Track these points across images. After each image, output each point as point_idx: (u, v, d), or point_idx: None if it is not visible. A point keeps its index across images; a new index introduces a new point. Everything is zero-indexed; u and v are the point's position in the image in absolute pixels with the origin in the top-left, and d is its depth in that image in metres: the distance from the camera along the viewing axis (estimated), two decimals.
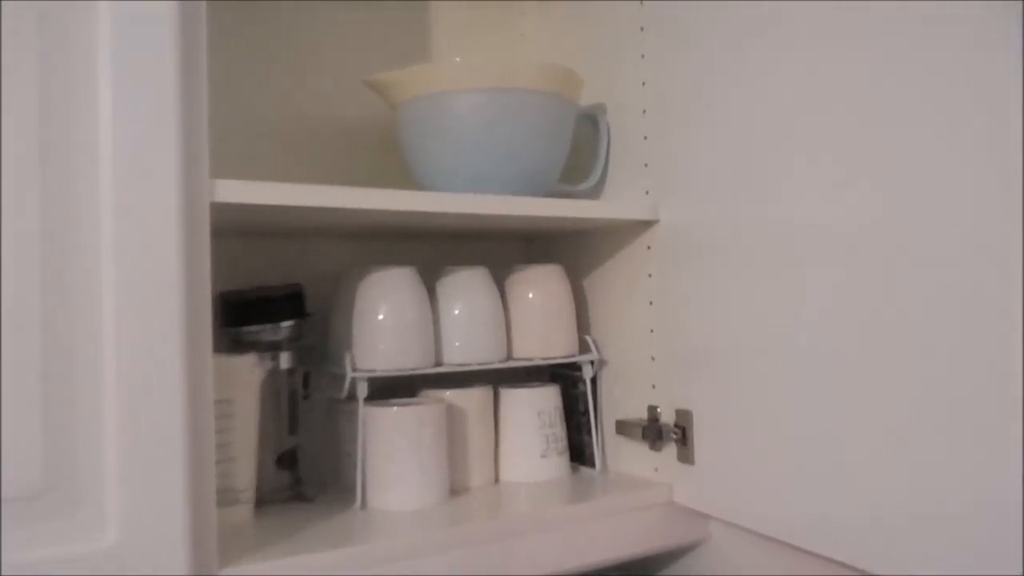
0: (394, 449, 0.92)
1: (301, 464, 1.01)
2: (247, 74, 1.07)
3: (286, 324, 0.97)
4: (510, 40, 1.28)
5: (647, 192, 1.01)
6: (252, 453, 0.90)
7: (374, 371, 0.94)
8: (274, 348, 0.97)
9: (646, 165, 1.01)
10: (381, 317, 0.95)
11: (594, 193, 1.09)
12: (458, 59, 1.05)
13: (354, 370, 0.94)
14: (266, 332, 0.96)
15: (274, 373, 0.99)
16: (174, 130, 0.68)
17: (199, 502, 0.70)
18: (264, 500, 0.97)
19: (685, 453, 0.95)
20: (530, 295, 1.05)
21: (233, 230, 0.99)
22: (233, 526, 0.87)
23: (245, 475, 0.88)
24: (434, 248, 1.18)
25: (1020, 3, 0.60)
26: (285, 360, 0.98)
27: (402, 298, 0.96)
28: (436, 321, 1.00)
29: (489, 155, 0.94)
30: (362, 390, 0.93)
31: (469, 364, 0.99)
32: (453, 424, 0.99)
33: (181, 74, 0.68)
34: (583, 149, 1.09)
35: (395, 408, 0.93)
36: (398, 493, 0.91)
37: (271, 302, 0.98)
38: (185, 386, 0.68)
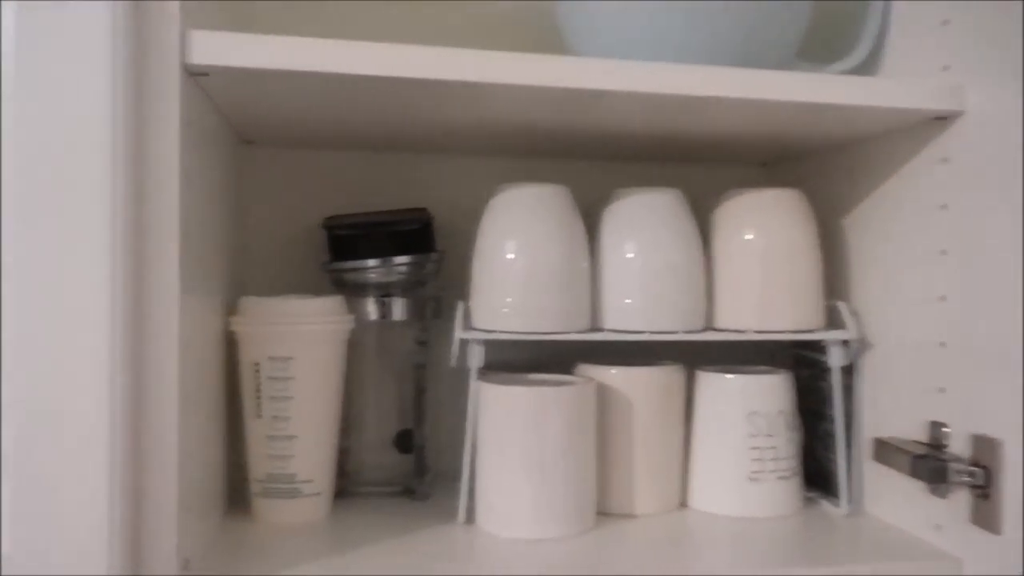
0: (508, 446, 0.63)
1: (428, 449, 0.76)
2: None
3: (401, 261, 0.72)
4: None
5: (945, 68, 0.61)
6: (323, 432, 0.66)
7: (492, 332, 0.66)
8: (384, 293, 0.73)
9: (945, 23, 0.61)
10: (511, 256, 0.66)
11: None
12: None
13: (465, 328, 0.67)
14: (374, 271, 0.72)
15: (384, 326, 0.74)
16: None
17: (135, 495, 0.48)
18: (373, 489, 0.74)
19: (986, 511, 0.56)
20: (747, 235, 0.70)
21: (341, 142, 0.76)
22: (279, 525, 0.64)
23: (308, 461, 0.65)
24: (614, 171, 0.85)
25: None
26: (399, 310, 0.73)
27: (541, 228, 0.66)
28: (596, 266, 0.69)
29: (686, 15, 0.60)
30: (475, 357, 0.65)
31: (643, 332, 0.67)
32: (613, 417, 0.68)
33: None
34: (835, 6, 0.71)
35: (511, 388, 0.64)
36: (508, 512, 0.63)
37: (382, 230, 0.73)
38: (113, 326, 0.45)
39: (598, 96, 0.57)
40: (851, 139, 0.72)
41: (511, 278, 0.66)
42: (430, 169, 0.82)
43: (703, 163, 0.86)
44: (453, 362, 0.67)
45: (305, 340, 0.65)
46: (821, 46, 0.70)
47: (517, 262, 0.66)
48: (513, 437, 0.63)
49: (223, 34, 0.50)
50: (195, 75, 0.51)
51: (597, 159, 0.84)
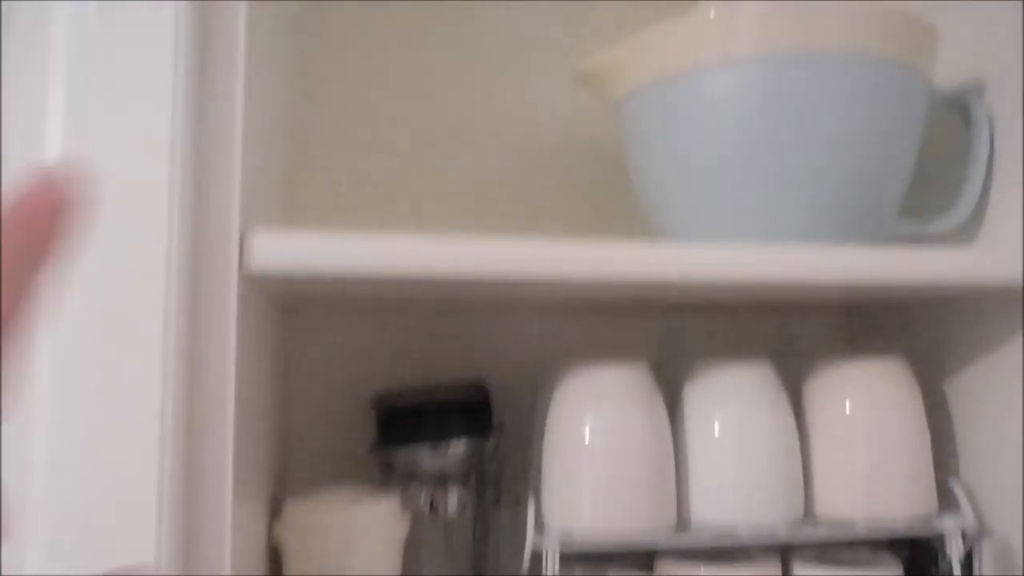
0: None
1: None
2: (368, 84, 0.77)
3: (457, 444, 0.65)
4: None
5: None
6: None
7: (570, 535, 0.58)
8: (438, 480, 0.65)
9: None
10: (586, 446, 0.58)
11: (965, 235, 0.64)
12: (714, 9, 0.56)
13: (539, 530, 0.58)
14: (426, 456, 0.64)
15: (439, 517, 0.66)
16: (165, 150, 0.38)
17: None
18: None
19: None
20: (848, 408, 0.63)
21: (389, 307, 0.69)
22: None
23: None
24: (686, 328, 0.79)
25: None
26: (455, 499, 0.65)
27: (623, 417, 0.59)
28: (681, 452, 0.62)
29: (780, 173, 0.55)
30: (552, 563, 0.57)
31: (737, 527, 0.59)
32: None
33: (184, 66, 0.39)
34: (938, 159, 0.66)
35: None
36: None
37: (435, 411, 0.66)
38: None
39: (686, 283, 0.50)
40: (954, 298, 0.66)
41: (590, 472, 0.58)
42: (486, 332, 0.75)
43: (781, 312, 0.80)
44: (525, 568, 0.58)
45: (358, 552, 0.56)
46: (920, 197, 0.65)
47: (596, 454, 0.58)
48: None
49: (287, 236, 0.43)
50: (253, 279, 0.45)
51: (655, 315, 0.78)
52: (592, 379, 0.60)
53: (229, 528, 0.41)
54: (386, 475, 0.66)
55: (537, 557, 0.58)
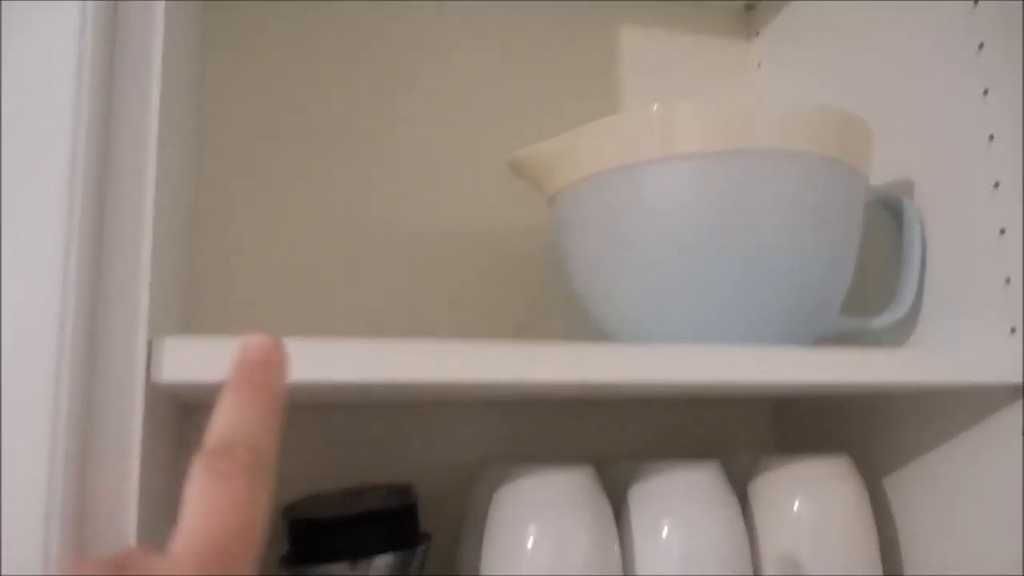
0: None
1: None
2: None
3: (381, 559, 0.58)
4: (735, 75, 0.87)
5: (1013, 330, 0.55)
6: None
7: None
8: None
9: (1008, 281, 0.56)
10: (529, 554, 0.54)
11: (901, 331, 0.63)
12: (657, 106, 0.54)
13: None
14: (344, 573, 0.58)
15: None
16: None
17: None
18: None
19: None
20: (795, 509, 0.60)
21: (302, 405, 0.64)
22: None
23: None
24: (622, 422, 0.75)
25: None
26: None
27: (567, 525, 0.54)
28: (628, 555, 0.57)
29: (720, 271, 0.53)
30: None
31: None
32: None
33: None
34: (874, 256, 0.65)
35: None
36: None
37: (356, 523, 0.59)
38: None
39: (617, 387, 0.47)
40: (894, 396, 0.65)
41: None
42: (409, 428, 0.70)
43: (710, 408, 0.77)
44: None
45: None
46: (868, 295, 0.64)
47: (539, 566, 0.53)
48: None
49: (198, 343, 0.38)
50: (159, 390, 0.39)
51: (596, 409, 0.74)
52: (535, 485, 0.55)
53: None
54: None
55: None
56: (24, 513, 0.33)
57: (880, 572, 0.60)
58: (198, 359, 0.37)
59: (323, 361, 0.39)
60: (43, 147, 0.34)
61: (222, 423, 0.25)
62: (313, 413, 0.67)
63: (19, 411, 0.33)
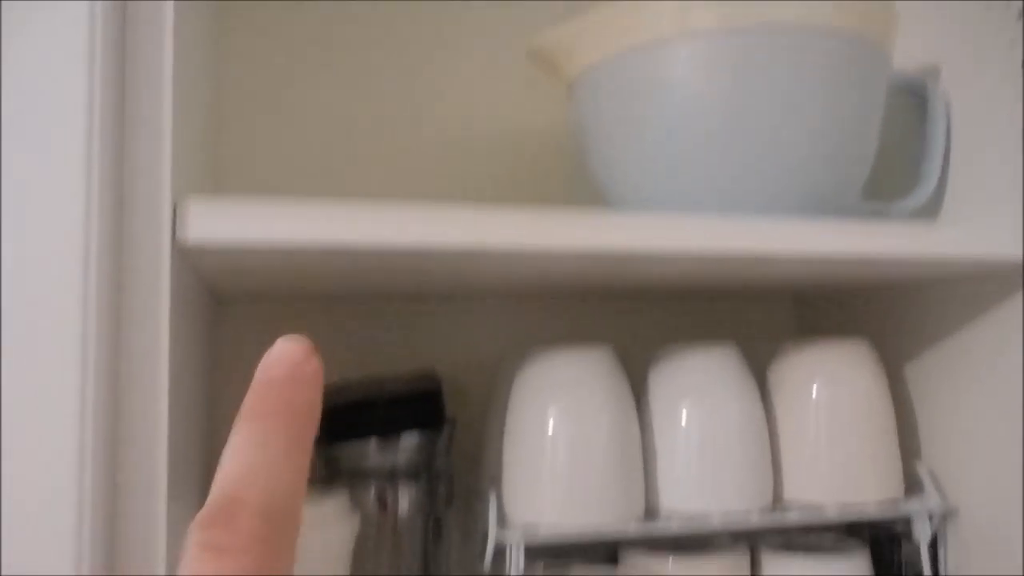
0: None
1: None
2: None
3: (408, 438, 0.61)
4: None
5: None
6: None
7: (535, 529, 0.55)
8: (388, 477, 0.61)
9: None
10: (550, 435, 0.55)
11: (924, 214, 0.63)
12: None
13: (502, 524, 0.55)
14: (374, 452, 0.60)
15: (389, 517, 0.62)
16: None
17: None
18: None
19: None
20: (814, 393, 0.61)
21: (330, 295, 0.65)
22: None
23: None
24: (643, 313, 0.76)
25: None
26: (406, 497, 0.61)
27: (587, 404, 0.56)
28: (648, 439, 0.59)
29: (741, 148, 0.53)
30: (516, 561, 0.54)
31: (707, 515, 0.57)
32: None
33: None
34: (897, 143, 0.65)
35: None
36: None
37: (383, 404, 0.62)
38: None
39: (636, 257, 0.47)
40: (912, 282, 0.65)
41: (554, 462, 0.55)
42: (435, 321, 0.71)
43: (732, 302, 0.78)
44: (486, 569, 0.55)
45: (307, 552, 0.52)
46: (886, 185, 0.64)
47: (560, 443, 0.55)
48: None
49: (224, 203, 0.39)
50: (187, 252, 0.40)
51: (614, 302, 0.75)
52: (556, 365, 0.57)
53: (163, 533, 0.37)
54: (331, 474, 0.61)
55: (499, 554, 0.54)
56: (59, 379, 0.34)
57: (898, 456, 0.61)
58: (223, 220, 0.38)
59: (345, 224, 0.40)
60: None
61: (229, 469, 0.19)
62: (340, 305, 0.69)
63: (48, 275, 0.34)
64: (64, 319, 0.34)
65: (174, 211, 0.38)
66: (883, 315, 0.70)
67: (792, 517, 0.59)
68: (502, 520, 0.56)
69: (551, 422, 0.55)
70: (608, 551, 0.61)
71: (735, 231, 0.48)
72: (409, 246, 0.41)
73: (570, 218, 0.44)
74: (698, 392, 0.59)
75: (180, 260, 0.39)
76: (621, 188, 0.58)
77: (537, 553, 0.58)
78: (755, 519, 0.57)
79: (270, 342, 0.70)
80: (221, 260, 0.42)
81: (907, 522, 0.61)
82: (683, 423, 0.58)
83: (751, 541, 0.62)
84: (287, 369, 0.19)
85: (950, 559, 0.61)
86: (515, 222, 0.43)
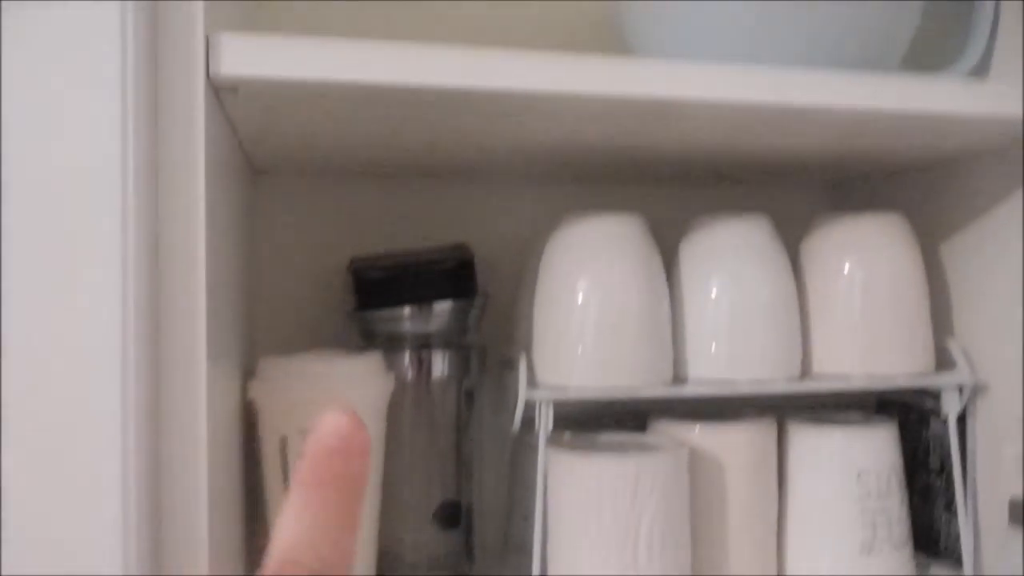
0: (592, 526, 0.53)
1: (475, 523, 0.65)
2: None
3: (441, 306, 0.62)
4: None
5: None
6: (365, 512, 0.55)
7: (565, 390, 0.56)
8: (421, 344, 0.62)
9: None
10: (580, 302, 0.56)
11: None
12: None
13: (532, 386, 0.56)
14: (409, 319, 0.62)
15: (423, 383, 0.64)
16: None
17: None
18: (414, 573, 0.63)
19: None
20: (846, 267, 0.61)
21: (368, 169, 0.66)
22: None
23: None
24: (676, 196, 0.76)
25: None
26: (440, 364, 0.62)
27: (618, 269, 0.56)
28: (676, 306, 0.59)
29: (779, 10, 0.51)
30: (545, 419, 0.55)
31: (735, 382, 0.58)
32: (702, 482, 0.58)
33: None
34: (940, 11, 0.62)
35: (597, 458, 0.54)
36: None
37: (417, 272, 0.63)
38: (126, 410, 0.34)
39: (670, 107, 0.47)
40: (949, 159, 0.64)
41: (584, 326, 0.56)
42: (469, 199, 0.72)
43: (764, 185, 0.77)
44: (516, 426, 0.56)
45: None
46: (925, 54, 0.62)
47: (590, 307, 0.56)
48: (600, 516, 0.52)
49: (259, 39, 0.39)
50: (221, 90, 0.41)
51: (652, 182, 0.74)
52: (586, 232, 0.57)
53: (204, 387, 0.38)
54: (367, 341, 0.63)
55: (528, 420, 0.56)
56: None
57: (929, 331, 0.61)
58: (256, 55, 0.39)
59: (381, 64, 0.40)
60: None
61: (284, 536, 0.20)
62: (374, 182, 0.70)
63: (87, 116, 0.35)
64: (102, 154, 0.35)
65: (207, 45, 0.38)
66: (916, 197, 0.68)
67: (820, 385, 0.59)
68: (532, 382, 0.57)
69: (580, 285, 0.56)
70: (637, 422, 0.63)
71: (771, 80, 0.47)
72: (443, 86, 0.41)
73: (601, 63, 0.44)
74: (728, 262, 0.59)
75: (213, 100, 0.40)
76: (654, 39, 0.57)
77: (566, 423, 0.59)
78: (782, 387, 0.58)
79: (307, 216, 0.71)
80: (254, 102, 0.43)
81: (936, 400, 0.61)
82: (712, 292, 0.58)
83: (779, 415, 0.62)
84: (340, 441, 0.21)
85: (980, 435, 0.62)
86: (549, 66, 0.43)
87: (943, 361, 0.62)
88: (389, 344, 0.62)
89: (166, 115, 0.38)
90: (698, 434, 0.59)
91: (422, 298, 0.61)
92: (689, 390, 0.57)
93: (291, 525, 0.20)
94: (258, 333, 0.66)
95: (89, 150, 0.34)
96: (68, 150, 0.34)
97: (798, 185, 0.78)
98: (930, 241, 0.66)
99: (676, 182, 0.75)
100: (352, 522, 0.21)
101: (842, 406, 0.67)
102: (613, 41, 0.59)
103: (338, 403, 0.22)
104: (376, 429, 0.56)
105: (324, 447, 0.21)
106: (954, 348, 0.61)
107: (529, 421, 0.55)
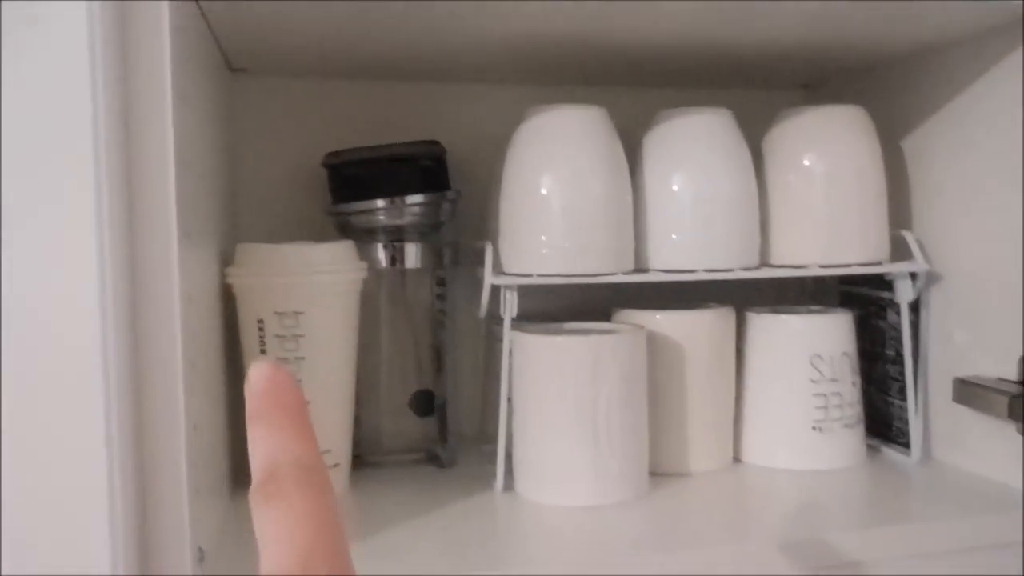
0: (554, 404, 0.56)
1: (449, 412, 0.68)
2: None
3: (414, 200, 0.64)
4: None
5: None
6: (340, 396, 0.59)
7: (529, 276, 0.58)
8: (396, 237, 0.64)
9: None
10: (546, 190, 0.58)
11: None
12: None
13: (497, 273, 0.59)
14: (383, 212, 0.64)
15: (397, 275, 0.67)
16: None
17: (139, 480, 0.40)
18: (390, 458, 0.66)
19: None
20: (805, 159, 0.63)
21: (342, 69, 0.67)
22: None
23: (324, 430, 0.57)
24: (644, 99, 0.76)
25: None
26: (413, 256, 0.65)
27: (582, 158, 0.58)
28: (639, 198, 0.61)
29: None
30: (510, 304, 0.58)
31: (695, 271, 0.60)
32: (661, 368, 0.61)
33: None
34: None
35: (558, 338, 0.57)
36: (557, 477, 0.56)
37: (390, 166, 0.64)
38: (103, 285, 0.37)
39: None
40: (913, 49, 0.65)
41: (548, 215, 0.58)
42: (441, 98, 0.73)
43: (738, 87, 0.78)
44: (483, 312, 0.59)
45: (316, 292, 0.56)
46: None
47: (554, 196, 0.58)
48: (562, 394, 0.55)
49: None
50: None
51: (620, 83, 0.75)
52: (551, 123, 0.59)
53: (176, 268, 0.40)
54: (343, 234, 0.65)
55: (494, 314, 0.58)
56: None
57: (886, 222, 0.63)
58: None
59: None
60: None
61: (258, 454, 0.23)
62: (351, 83, 0.71)
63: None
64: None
65: None
66: (883, 95, 0.69)
67: (775, 273, 0.61)
68: (498, 269, 0.59)
69: (545, 175, 0.58)
70: (601, 316, 0.65)
71: None
72: None
73: None
74: (690, 154, 0.60)
75: None
76: None
77: (533, 318, 0.62)
78: (740, 274, 0.60)
79: (285, 115, 0.72)
80: None
81: (892, 290, 0.64)
82: (674, 184, 0.60)
83: (740, 306, 0.65)
84: (267, 382, 0.25)
85: (933, 322, 0.64)
86: None
87: (901, 253, 0.64)
88: (364, 237, 0.64)
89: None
90: (659, 320, 0.61)
91: (396, 190, 0.63)
92: (650, 277, 0.60)
93: (260, 448, 0.24)
94: (240, 229, 0.68)
95: (59, 40, 0.36)
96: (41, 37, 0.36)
97: (768, 85, 0.78)
98: (893, 137, 0.68)
99: (645, 85, 0.75)
100: (309, 434, 0.24)
101: (805, 301, 0.70)
102: None
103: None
104: (350, 314, 0.59)
105: (259, 390, 0.25)
106: (909, 238, 0.63)
107: (499, 315, 0.58)
